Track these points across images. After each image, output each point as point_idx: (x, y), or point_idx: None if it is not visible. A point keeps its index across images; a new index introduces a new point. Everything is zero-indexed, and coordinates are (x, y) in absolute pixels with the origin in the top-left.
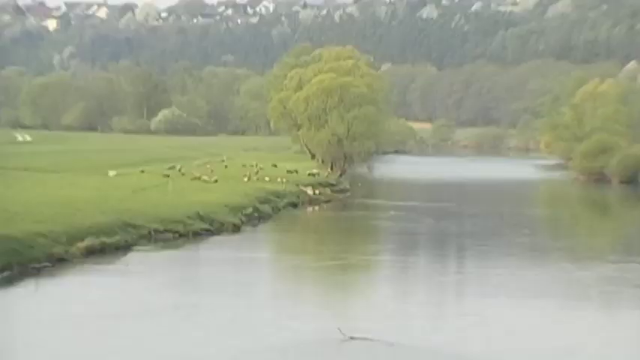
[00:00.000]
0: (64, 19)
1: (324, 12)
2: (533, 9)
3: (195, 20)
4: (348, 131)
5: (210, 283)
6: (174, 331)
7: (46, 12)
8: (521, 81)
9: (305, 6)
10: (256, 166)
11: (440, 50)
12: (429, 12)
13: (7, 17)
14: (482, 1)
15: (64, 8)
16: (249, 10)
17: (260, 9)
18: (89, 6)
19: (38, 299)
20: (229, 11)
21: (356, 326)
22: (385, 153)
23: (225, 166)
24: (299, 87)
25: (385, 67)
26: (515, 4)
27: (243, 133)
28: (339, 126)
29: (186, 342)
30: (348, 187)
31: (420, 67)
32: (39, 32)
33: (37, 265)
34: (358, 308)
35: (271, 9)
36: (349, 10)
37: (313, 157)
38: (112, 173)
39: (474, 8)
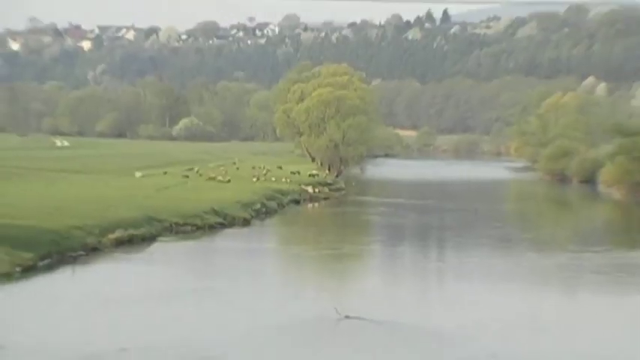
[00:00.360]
0: (97, 41)
1: (323, 34)
2: (504, 31)
3: (210, 41)
4: (344, 138)
5: (224, 270)
6: (193, 311)
7: (81, 34)
8: (494, 94)
9: (306, 29)
10: (264, 168)
11: (423, 67)
12: (413, 34)
13: (47, 39)
14: (459, 25)
15: (97, 31)
16: (258, 33)
17: (267, 31)
18: (119, 29)
19: (75, 283)
20: (240, 33)
21: (351, 307)
22: (376, 156)
23: (237, 168)
24: (301, 99)
25: (375, 82)
26: (488, 27)
27: (252, 139)
28: (336, 133)
29: (203, 321)
30: (343, 186)
31: (406, 82)
32: (75, 52)
33: (73, 254)
34: (352, 291)
35: (277, 31)
36: (344, 32)
37: (313, 160)
38: (138, 174)
39: (452, 31)
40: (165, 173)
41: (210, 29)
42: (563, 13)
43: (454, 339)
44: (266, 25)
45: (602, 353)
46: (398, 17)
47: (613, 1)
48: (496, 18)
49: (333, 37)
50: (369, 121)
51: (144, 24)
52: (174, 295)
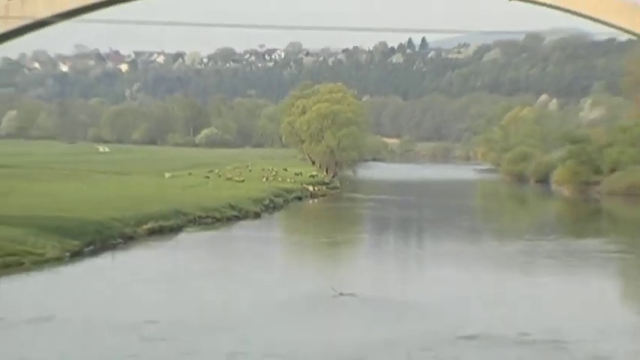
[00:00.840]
0: (133, 64)
1: (321, 58)
2: (472, 56)
3: (227, 64)
4: (339, 144)
5: (238, 254)
6: (214, 288)
7: (120, 58)
8: (464, 108)
9: (307, 54)
10: (272, 170)
11: (405, 86)
12: (397, 58)
13: (91, 62)
14: (435, 50)
15: (133, 55)
16: (267, 57)
17: (274, 56)
18: (151, 54)
19: (114, 266)
20: (252, 58)
21: (344, 285)
22: (365, 160)
23: (250, 170)
24: (303, 112)
25: (365, 98)
26: (459, 52)
27: (262, 146)
28: (332, 141)
29: (219, 296)
30: (338, 185)
31: (390, 98)
32: (115, 73)
33: (113, 242)
34: (345, 273)
35: (283, 56)
36: (339, 57)
37: (313, 163)
38: (167, 175)
39: (429, 55)
40: (189, 174)
41: (227, 54)
42: (522, 40)
43: (430, 310)
44: (274, 50)
45: (550, 320)
46: (384, 44)
47: (564, 30)
48: (466, 45)
49: (330, 61)
50: (360, 130)
51: (172, 49)
52: (197, 275)
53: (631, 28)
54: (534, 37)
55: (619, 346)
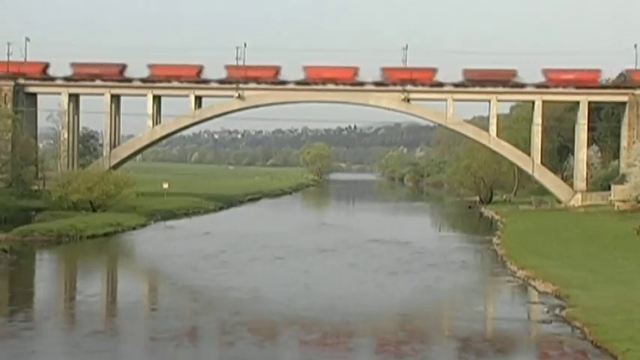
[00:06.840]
0: (243, 134)
1: (316, 132)
2: (374, 131)
3: (279, 135)
4: (322, 166)
5: (282, 207)
6: (272, 220)
7: (237, 132)
8: (370, 152)
9: (310, 131)
10: (296, 176)
11: (347, 143)
12: (345, 132)
13: (226, 133)
14: (359, 129)
15: (242, 131)
16: (294, 132)
17: (297, 132)
18: (250, 130)
19: (235, 212)
20: (289, 132)
21: (325, 220)
22: (332, 172)
23: (287, 176)
24: (308, 153)
25: (332, 148)
26: (368, 130)
27: (293, 166)
28: (320, 164)
29: (273, 224)
30: (321, 181)
31: (341, 148)
32: (235, 138)
33: (234, 203)
34: (324, 215)
35: (300, 131)
36: (322, 132)
37: (313, 172)
38: (256, 178)
39: (357, 131)
40: (264, 177)
41: (279, 131)
42: (392, 125)
43: (359, 229)
44: (297, 129)
45: (404, 233)
46: (340, 127)
47: (409, 121)
48: (371, 127)
49: (318, 134)
50: (330, 160)
51: (257, 128)
52: (266, 215)
53: (437, 120)
54: (397, 124)
55: (431, 244)
